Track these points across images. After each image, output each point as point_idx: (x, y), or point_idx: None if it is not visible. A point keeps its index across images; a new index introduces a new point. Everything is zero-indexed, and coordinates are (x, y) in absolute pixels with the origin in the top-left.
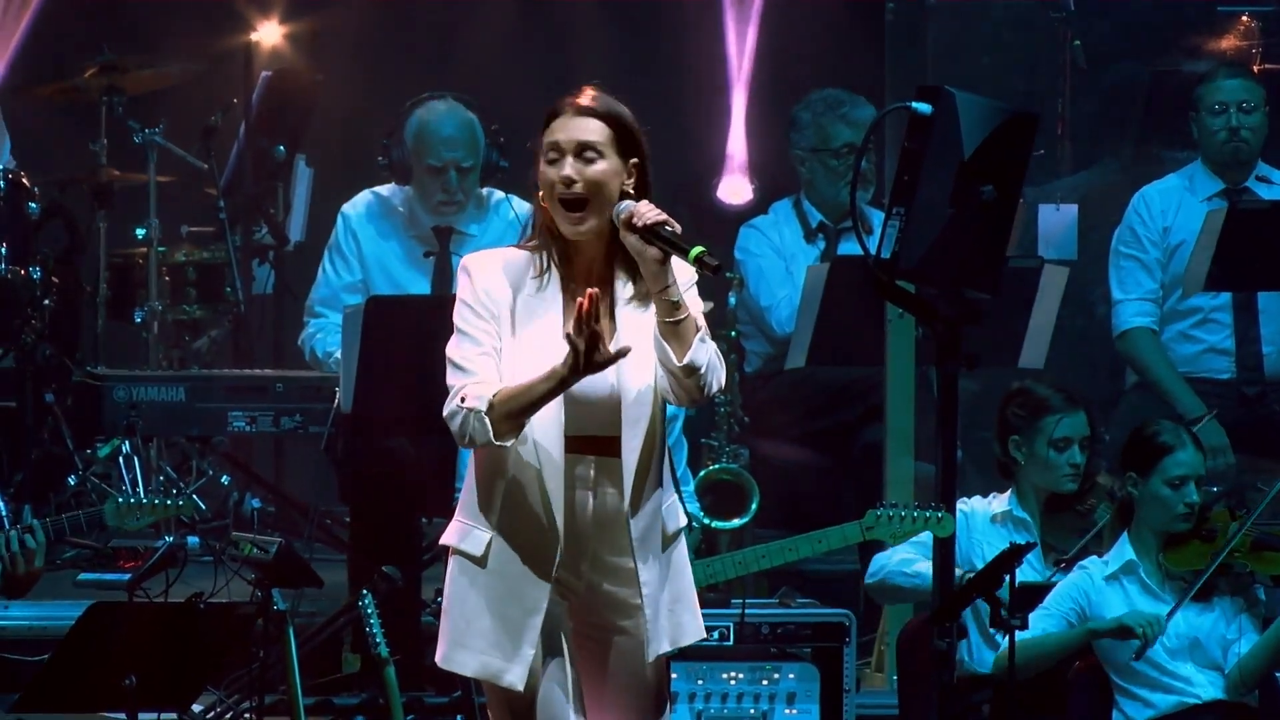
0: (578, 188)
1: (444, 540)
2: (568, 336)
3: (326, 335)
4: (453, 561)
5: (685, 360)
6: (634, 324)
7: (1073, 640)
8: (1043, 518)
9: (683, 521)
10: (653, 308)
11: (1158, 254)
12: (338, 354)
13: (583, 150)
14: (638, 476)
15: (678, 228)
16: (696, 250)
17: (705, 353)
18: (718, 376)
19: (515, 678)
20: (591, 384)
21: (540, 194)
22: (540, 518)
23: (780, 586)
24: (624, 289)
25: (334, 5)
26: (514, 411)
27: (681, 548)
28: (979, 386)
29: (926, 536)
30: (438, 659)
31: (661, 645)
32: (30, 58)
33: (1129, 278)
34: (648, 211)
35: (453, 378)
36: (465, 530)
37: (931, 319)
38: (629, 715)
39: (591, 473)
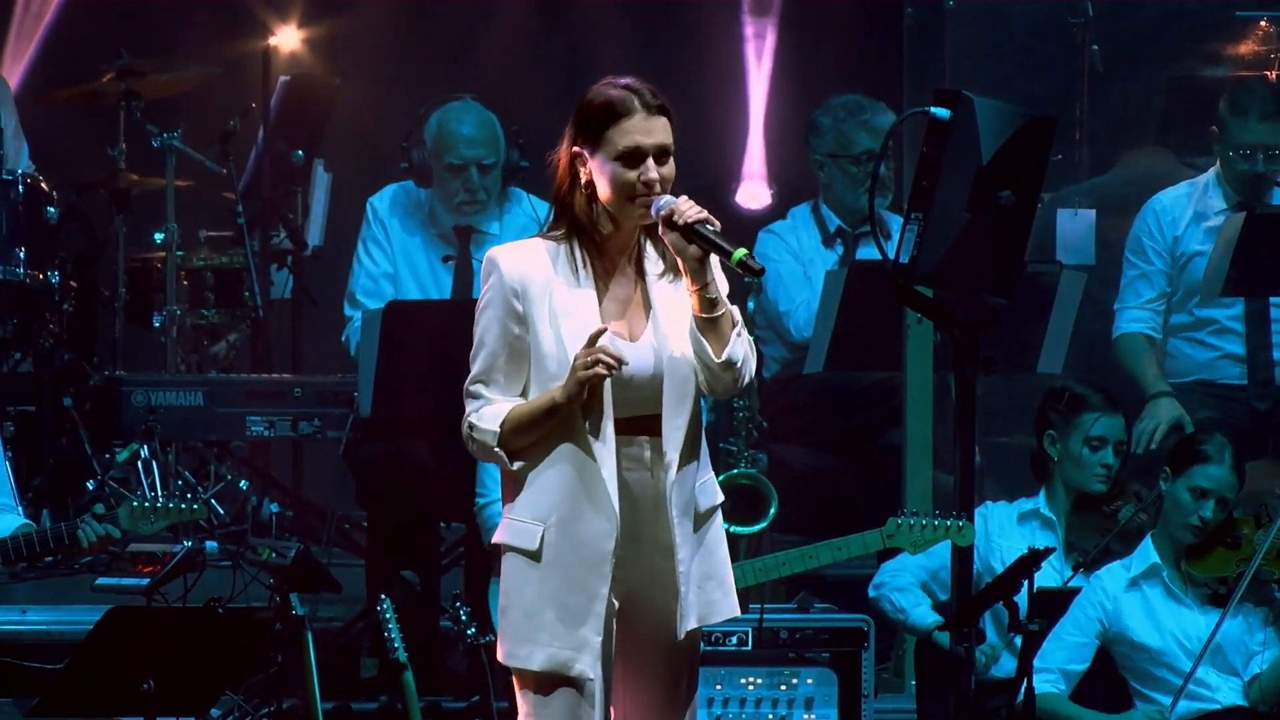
0: (658, 189)
1: (496, 539)
2: (583, 370)
3: None
4: (507, 560)
5: (723, 356)
6: (670, 302)
7: None
8: (1070, 518)
9: (717, 499)
10: (682, 281)
11: (1162, 265)
12: None
13: (663, 153)
14: (682, 455)
15: (717, 225)
16: (739, 253)
17: (742, 347)
18: (750, 369)
19: (585, 666)
20: (638, 365)
21: (577, 188)
22: (595, 503)
23: (799, 591)
24: (655, 268)
25: (352, 10)
26: (520, 440)
27: (716, 525)
28: (997, 392)
29: (942, 554)
30: (500, 657)
31: (688, 622)
32: (48, 62)
33: (1129, 287)
34: (688, 209)
35: (467, 397)
36: (517, 527)
37: (949, 324)
38: (665, 696)
39: (647, 453)
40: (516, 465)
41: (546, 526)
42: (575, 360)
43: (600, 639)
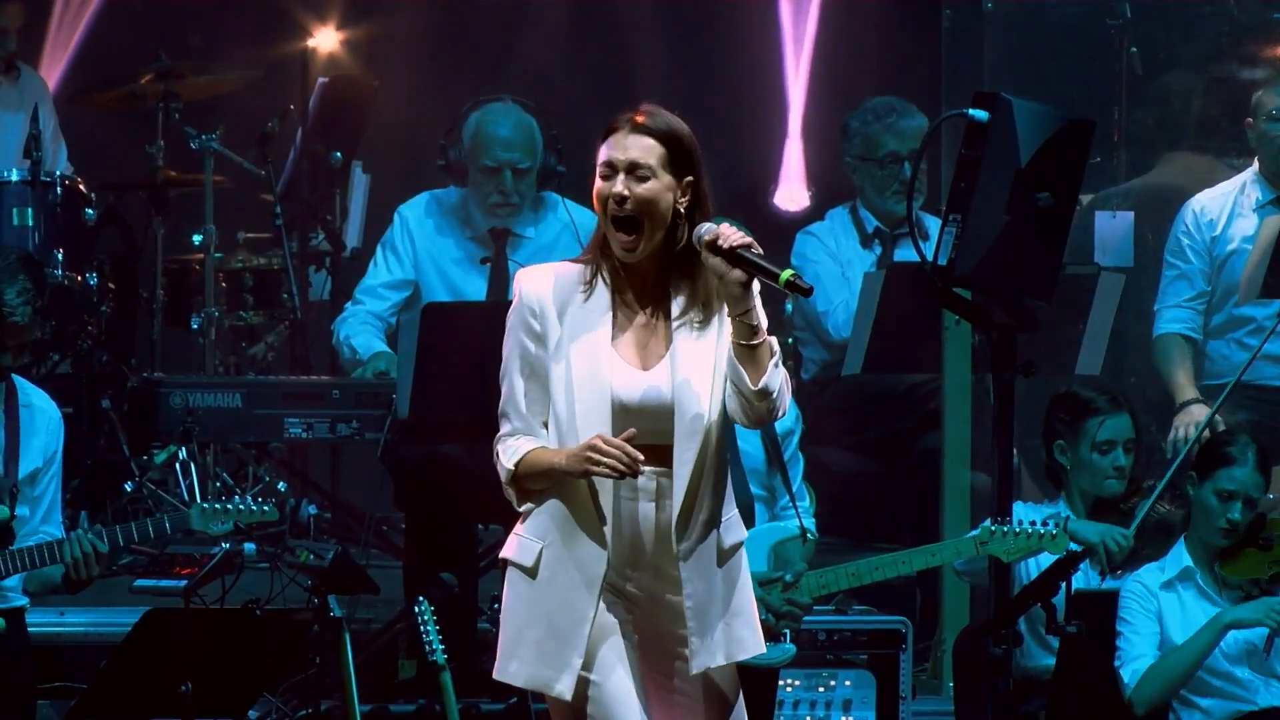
0: (628, 206)
1: (501, 554)
2: (598, 458)
3: (352, 321)
4: (508, 574)
5: (760, 384)
6: (691, 341)
7: (1212, 640)
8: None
9: (742, 536)
10: (709, 325)
11: (1201, 264)
12: (353, 341)
13: (634, 169)
14: (689, 489)
15: (761, 251)
16: (787, 274)
17: (779, 377)
18: (786, 401)
19: (564, 687)
20: (646, 394)
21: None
22: (589, 528)
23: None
24: (679, 305)
25: (391, 11)
26: (531, 483)
27: (741, 562)
28: (1035, 394)
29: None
30: (494, 672)
31: (714, 659)
32: (87, 64)
33: (1169, 287)
34: (732, 234)
35: (501, 417)
36: (519, 542)
37: (987, 326)
38: None
39: (654, 484)
40: (524, 507)
41: (545, 545)
42: (596, 442)
43: (581, 662)
